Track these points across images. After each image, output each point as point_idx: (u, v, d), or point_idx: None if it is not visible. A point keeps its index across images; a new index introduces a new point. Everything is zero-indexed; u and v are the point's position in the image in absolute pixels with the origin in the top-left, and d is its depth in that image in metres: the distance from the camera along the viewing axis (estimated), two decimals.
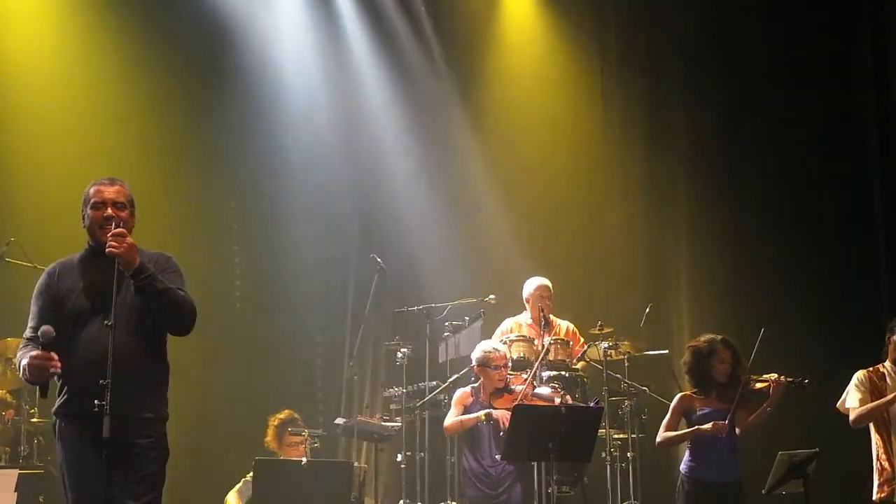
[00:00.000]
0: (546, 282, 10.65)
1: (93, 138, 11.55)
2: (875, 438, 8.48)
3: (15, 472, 8.63)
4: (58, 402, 5.79)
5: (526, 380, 9.46)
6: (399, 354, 10.39)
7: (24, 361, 5.49)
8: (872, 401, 8.40)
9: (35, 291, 5.92)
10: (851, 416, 8.51)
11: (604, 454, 10.10)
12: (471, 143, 12.73)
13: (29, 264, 9.78)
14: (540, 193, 12.53)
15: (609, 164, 12.60)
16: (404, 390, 10.40)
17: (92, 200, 5.86)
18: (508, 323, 10.72)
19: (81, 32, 11.72)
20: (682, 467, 8.50)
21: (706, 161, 12.12)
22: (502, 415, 9.03)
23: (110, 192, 5.87)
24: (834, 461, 8.53)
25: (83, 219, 5.95)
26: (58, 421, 5.79)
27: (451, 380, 10.09)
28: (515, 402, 9.00)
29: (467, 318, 10.66)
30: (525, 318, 10.68)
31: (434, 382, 10.37)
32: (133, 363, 5.63)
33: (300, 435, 9.72)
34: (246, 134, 12.29)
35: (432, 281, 11.83)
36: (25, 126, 11.39)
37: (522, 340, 10.21)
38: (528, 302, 10.66)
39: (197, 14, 11.91)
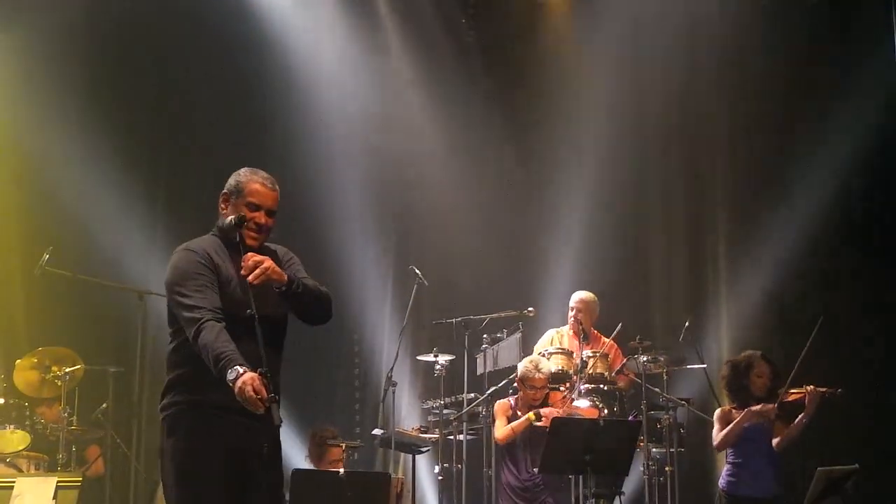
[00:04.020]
0: (583, 296, 10.64)
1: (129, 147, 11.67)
2: None
3: (53, 480, 8.66)
4: (195, 392, 5.34)
5: (564, 397, 9.47)
6: (437, 366, 10.37)
7: (239, 378, 5.08)
8: None
9: (187, 268, 5.33)
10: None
11: (642, 468, 10.05)
12: (511, 153, 12.70)
13: (69, 273, 9.82)
14: (581, 205, 12.46)
15: (649, 177, 12.50)
16: (442, 402, 10.39)
17: (249, 199, 5.57)
18: (551, 333, 10.74)
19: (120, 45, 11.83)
20: (721, 482, 8.48)
21: (746, 174, 11.99)
22: (550, 412, 9.06)
23: (270, 198, 5.66)
24: (873, 477, 8.45)
25: (225, 203, 5.61)
26: (183, 410, 5.32)
27: (488, 392, 10.07)
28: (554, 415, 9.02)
29: (506, 331, 10.64)
30: (567, 330, 10.68)
31: (472, 395, 10.36)
32: (274, 367, 5.46)
33: (339, 447, 9.66)
34: (282, 147, 12.31)
35: (471, 293, 11.80)
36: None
37: (561, 353, 10.21)
38: (570, 314, 10.67)
39: (235, 29, 12.01)
